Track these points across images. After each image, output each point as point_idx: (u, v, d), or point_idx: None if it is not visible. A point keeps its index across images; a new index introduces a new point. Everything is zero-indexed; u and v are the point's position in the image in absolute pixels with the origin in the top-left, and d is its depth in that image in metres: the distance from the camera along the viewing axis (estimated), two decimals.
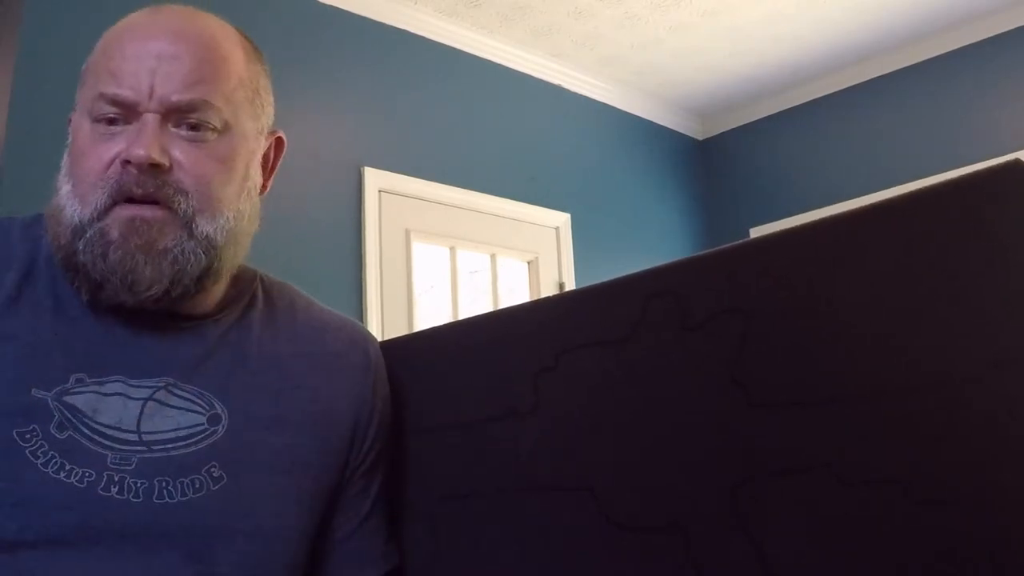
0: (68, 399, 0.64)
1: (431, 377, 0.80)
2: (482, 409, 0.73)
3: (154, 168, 0.65)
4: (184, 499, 0.64)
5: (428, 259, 2.94)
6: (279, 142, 0.80)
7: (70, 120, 0.73)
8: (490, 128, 3.20)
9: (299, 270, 2.51)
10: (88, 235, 0.66)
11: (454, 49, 3.15)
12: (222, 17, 0.74)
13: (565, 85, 3.53)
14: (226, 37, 0.72)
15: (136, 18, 0.71)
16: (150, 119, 0.66)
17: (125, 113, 0.66)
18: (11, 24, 2.15)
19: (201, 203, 0.67)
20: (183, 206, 0.67)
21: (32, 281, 0.68)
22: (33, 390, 0.63)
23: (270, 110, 0.77)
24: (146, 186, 0.65)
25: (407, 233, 2.84)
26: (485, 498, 0.72)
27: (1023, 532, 0.46)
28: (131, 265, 0.65)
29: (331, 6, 2.79)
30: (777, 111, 3.91)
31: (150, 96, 0.66)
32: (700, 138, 4.18)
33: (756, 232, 3.79)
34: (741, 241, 0.61)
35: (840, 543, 0.52)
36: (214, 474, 0.66)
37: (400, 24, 2.98)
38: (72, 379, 0.65)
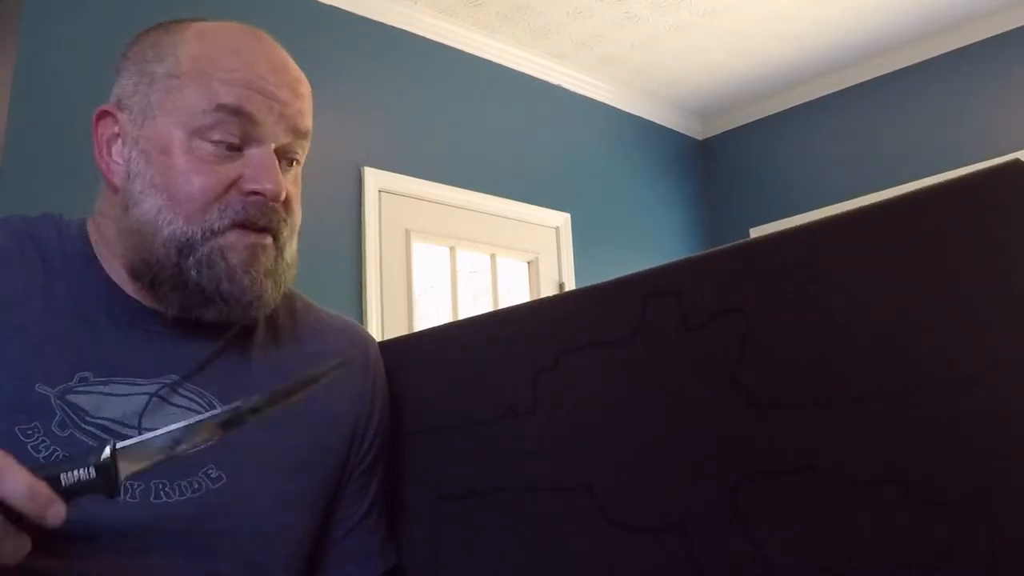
0: (71, 397, 0.64)
1: (431, 377, 0.80)
2: (482, 409, 0.73)
3: (281, 203, 0.69)
4: (182, 499, 0.64)
5: (428, 259, 2.94)
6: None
7: (107, 113, 0.70)
8: (490, 128, 3.20)
9: (299, 270, 2.50)
10: (200, 253, 0.66)
11: (454, 49, 3.15)
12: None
13: (565, 85, 3.53)
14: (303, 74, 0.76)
15: (240, 37, 0.70)
16: (270, 151, 0.68)
17: (242, 133, 0.67)
18: (11, 24, 2.15)
19: (290, 231, 0.72)
20: (284, 233, 0.71)
21: (46, 278, 0.68)
22: (37, 385, 0.63)
23: None
24: (271, 218, 0.69)
25: (407, 233, 2.84)
26: (485, 498, 0.72)
27: (1023, 532, 0.46)
28: (259, 291, 0.68)
29: (331, 6, 2.79)
30: (777, 111, 3.91)
31: (276, 122, 0.69)
32: (700, 138, 4.18)
33: (756, 232, 3.79)
34: (741, 241, 0.61)
35: (840, 543, 0.52)
36: (212, 475, 0.66)
37: (400, 24, 2.98)
38: (76, 377, 0.65)
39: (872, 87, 3.63)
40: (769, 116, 3.95)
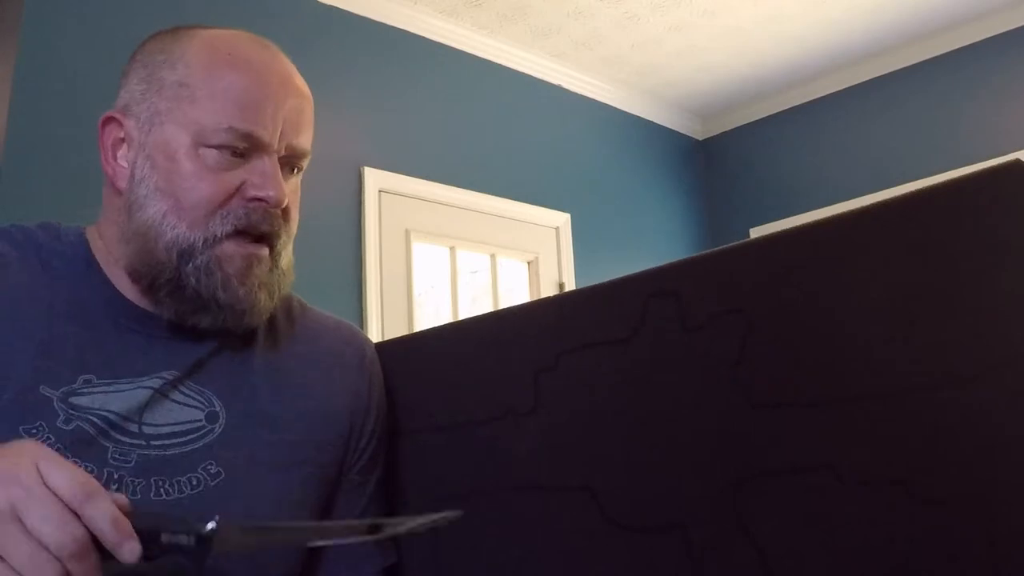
0: (74, 399, 0.65)
1: (431, 377, 0.80)
2: (482, 409, 0.73)
3: (281, 210, 0.70)
4: (181, 495, 0.65)
5: (428, 259, 2.94)
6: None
7: (112, 119, 0.71)
8: (490, 128, 3.20)
9: (299, 270, 2.49)
10: (199, 260, 0.68)
11: (454, 49, 3.15)
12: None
13: (565, 85, 3.53)
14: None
15: (248, 49, 0.71)
16: (275, 160, 0.70)
17: (249, 148, 0.69)
18: (11, 24, 2.15)
19: (287, 238, 0.73)
20: (279, 243, 0.72)
21: (49, 283, 0.68)
22: (41, 387, 0.64)
23: None
24: (273, 225, 0.70)
25: (407, 233, 2.84)
26: (485, 498, 0.72)
27: (1023, 532, 0.46)
28: (253, 301, 0.69)
29: (331, 6, 2.79)
30: (777, 111, 3.91)
31: (279, 138, 0.70)
32: (700, 138, 4.18)
33: (756, 232, 3.79)
34: (741, 241, 0.61)
35: (840, 543, 0.52)
36: (211, 471, 0.67)
37: (400, 24, 2.98)
38: (80, 380, 0.65)
39: (872, 87, 3.63)
40: (769, 116, 3.95)
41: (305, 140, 0.73)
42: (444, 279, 2.98)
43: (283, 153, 0.70)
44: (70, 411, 0.64)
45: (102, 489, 0.49)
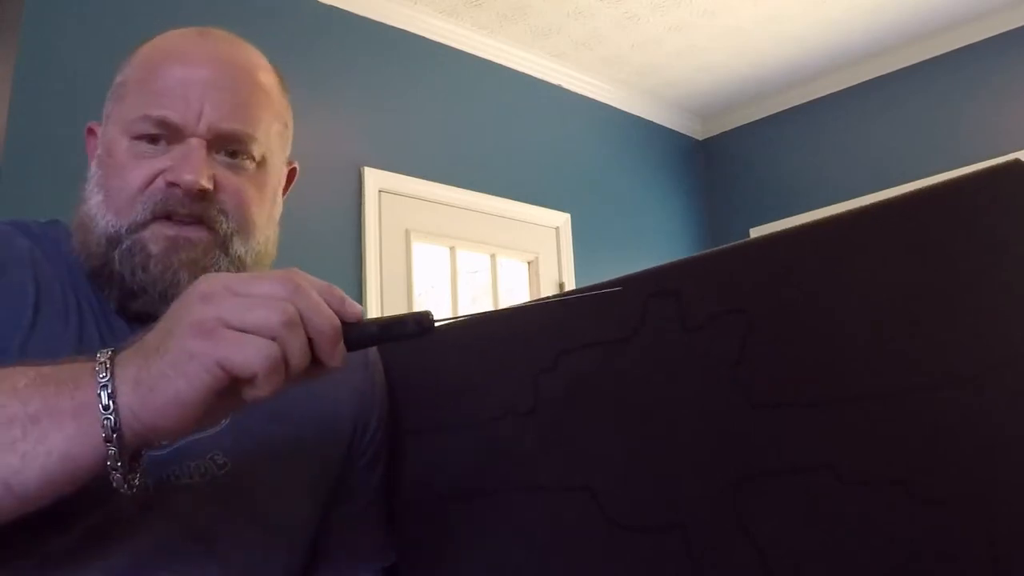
0: None
1: (431, 377, 0.80)
2: (482, 409, 0.73)
3: (200, 192, 0.68)
4: (189, 482, 0.65)
5: (428, 259, 2.94)
6: (292, 171, 0.83)
7: (91, 130, 0.75)
8: (490, 128, 3.20)
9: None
10: (125, 245, 0.68)
11: (454, 49, 3.15)
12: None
13: (565, 85, 3.53)
14: (267, 70, 0.76)
15: (182, 40, 0.72)
16: (196, 143, 0.68)
17: (169, 134, 0.69)
18: (11, 24, 2.15)
19: (239, 225, 0.71)
20: (224, 227, 0.70)
21: (56, 284, 0.69)
22: None
23: (291, 139, 0.81)
24: (192, 208, 0.68)
25: (407, 233, 2.84)
26: (485, 498, 0.72)
27: (1023, 532, 0.46)
28: (173, 280, 0.68)
29: (331, 6, 2.79)
30: (777, 111, 3.91)
31: (198, 121, 0.68)
32: (700, 138, 4.18)
33: (756, 232, 3.80)
34: (741, 241, 0.61)
35: (840, 543, 0.52)
36: (218, 461, 0.67)
37: (400, 24, 2.98)
38: None
39: (872, 87, 3.63)
40: (769, 116, 3.95)
41: (238, 123, 0.70)
42: (444, 279, 2.98)
43: (208, 137, 0.69)
44: None
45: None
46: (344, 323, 0.53)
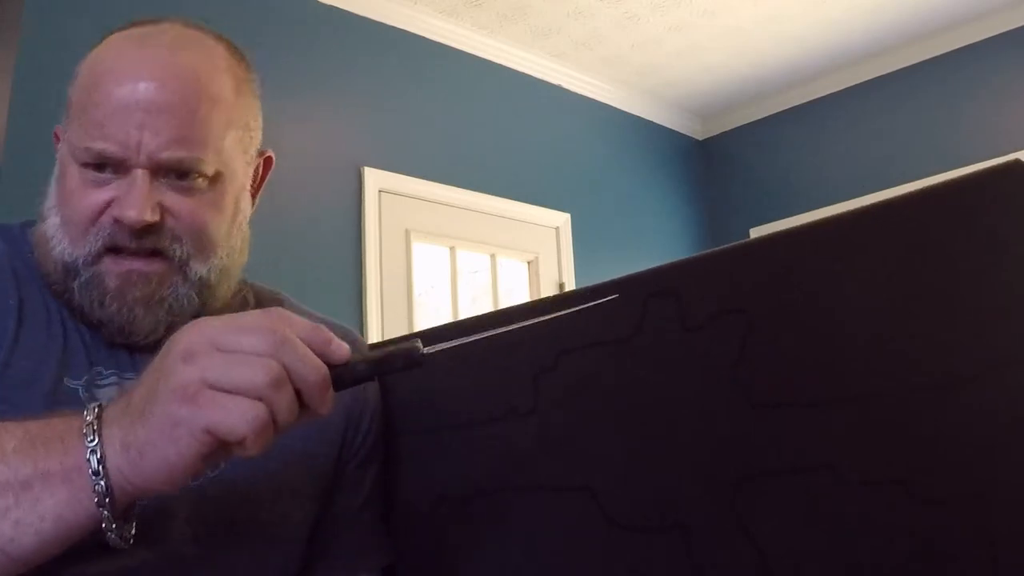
0: (94, 390, 0.66)
1: (431, 378, 0.79)
2: (482, 409, 0.73)
3: (146, 227, 0.66)
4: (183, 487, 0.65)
5: (428, 259, 2.94)
6: (268, 161, 0.79)
7: (56, 136, 0.73)
8: (490, 128, 3.20)
9: (299, 270, 2.51)
10: (83, 278, 0.67)
11: (454, 49, 3.15)
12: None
13: (565, 85, 3.53)
14: (215, 71, 0.69)
15: (120, 53, 0.68)
16: (139, 176, 0.65)
17: (113, 164, 0.66)
18: (11, 24, 2.15)
19: (195, 247, 0.69)
20: (179, 253, 0.68)
21: (37, 293, 0.69)
22: (65, 379, 0.65)
23: (259, 133, 0.77)
24: (140, 242, 0.66)
25: (407, 233, 2.84)
26: (485, 498, 0.72)
27: (1023, 532, 0.46)
28: (129, 317, 0.67)
29: (331, 6, 2.79)
30: (777, 111, 3.91)
31: (138, 151, 0.65)
32: (700, 138, 4.18)
33: (756, 232, 3.80)
34: (741, 241, 0.61)
35: (840, 543, 0.52)
36: None
37: (400, 24, 2.98)
38: (94, 371, 0.67)
39: (872, 87, 3.63)
40: (769, 116, 3.95)
41: (182, 149, 0.66)
42: (444, 279, 2.98)
43: (150, 167, 0.65)
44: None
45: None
46: (332, 365, 0.52)
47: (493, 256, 3.14)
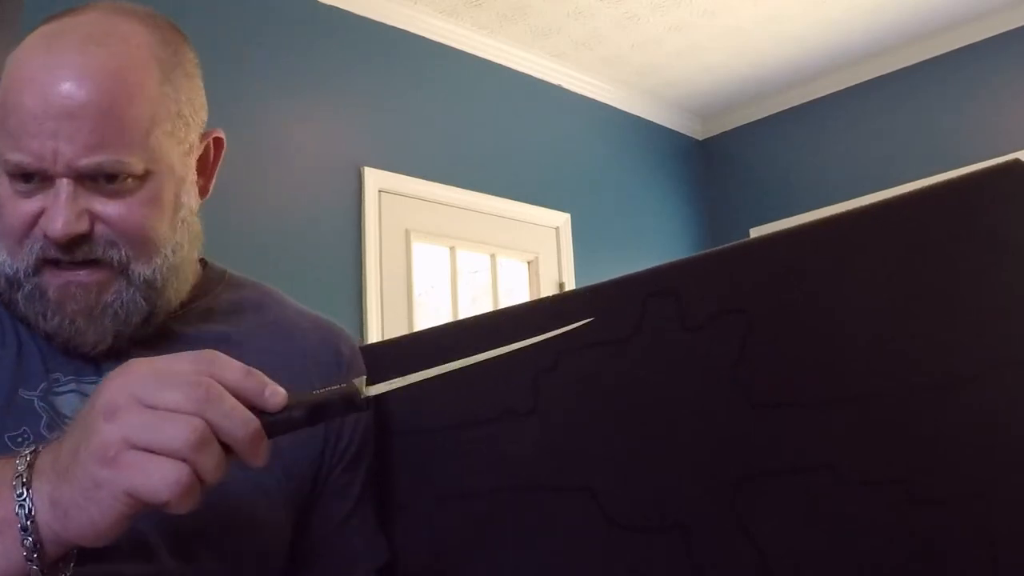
0: (52, 399, 0.65)
1: (432, 378, 0.79)
2: (481, 409, 0.73)
3: (74, 239, 0.64)
4: None
5: (428, 259, 2.94)
6: (217, 142, 0.77)
7: None
8: (490, 128, 3.20)
9: (299, 270, 2.51)
10: (25, 290, 0.65)
11: (454, 49, 3.15)
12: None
13: (565, 85, 3.53)
14: (132, 65, 0.65)
15: (30, 59, 0.64)
16: (62, 186, 0.63)
17: (36, 175, 0.63)
18: (11, 24, 2.15)
19: (134, 250, 0.67)
20: (117, 257, 0.66)
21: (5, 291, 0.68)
22: (20, 390, 0.64)
23: (201, 115, 0.73)
24: (73, 253, 0.64)
25: (407, 233, 2.84)
26: (485, 498, 0.72)
27: (1022, 532, 0.46)
28: (72, 330, 0.65)
29: (331, 6, 2.79)
30: (777, 111, 3.91)
31: (55, 161, 0.62)
32: (700, 138, 4.18)
33: (756, 232, 3.79)
34: (741, 241, 0.61)
35: (840, 543, 0.52)
36: None
37: (400, 24, 2.98)
38: (51, 378, 0.66)
39: (872, 87, 3.63)
40: (769, 116, 3.95)
41: (101, 153, 0.63)
42: (444, 279, 2.98)
43: (71, 176, 0.63)
44: (51, 413, 0.64)
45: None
46: (266, 413, 0.50)
47: (493, 256, 3.14)
